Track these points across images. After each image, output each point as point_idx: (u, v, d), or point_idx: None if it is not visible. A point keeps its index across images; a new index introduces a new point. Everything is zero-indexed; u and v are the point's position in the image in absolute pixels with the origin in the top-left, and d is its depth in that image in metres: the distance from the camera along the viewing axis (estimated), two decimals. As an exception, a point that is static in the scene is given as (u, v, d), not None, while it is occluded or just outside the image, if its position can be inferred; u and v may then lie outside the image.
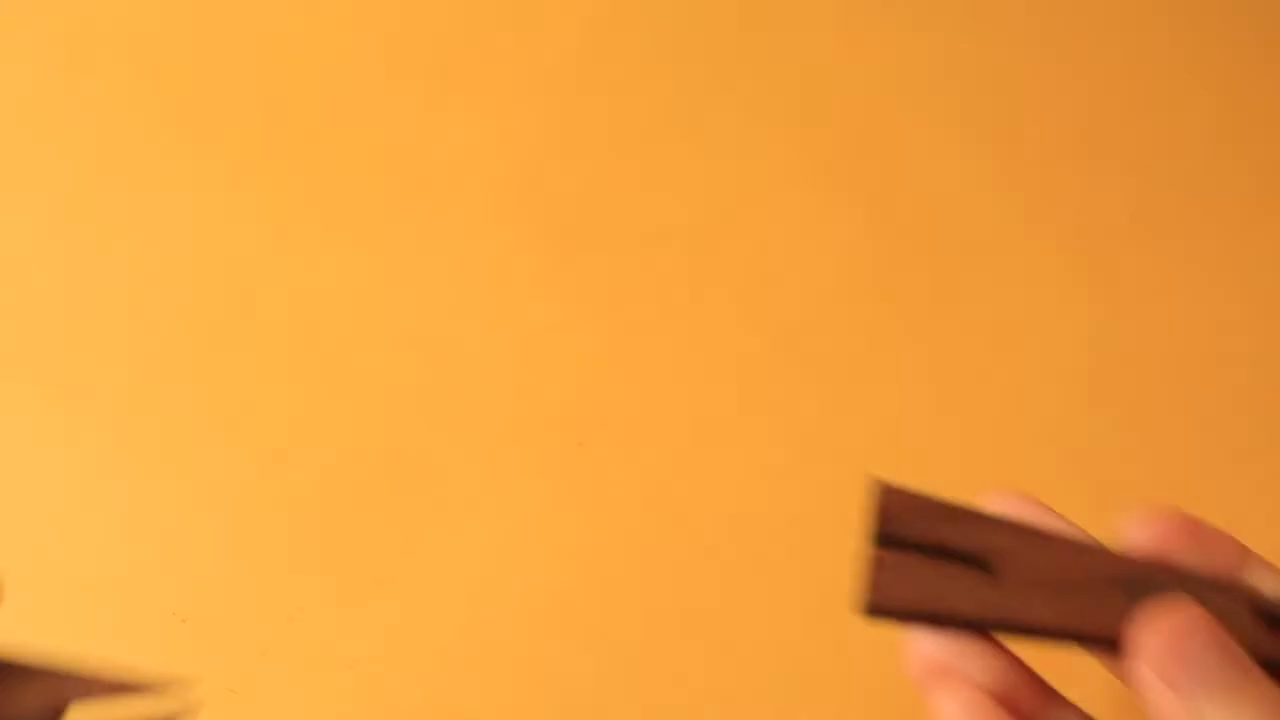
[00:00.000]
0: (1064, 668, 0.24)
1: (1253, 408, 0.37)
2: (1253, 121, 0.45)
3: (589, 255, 0.40)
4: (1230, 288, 0.40)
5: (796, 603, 0.31)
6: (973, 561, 0.24)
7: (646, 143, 0.44)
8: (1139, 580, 0.23)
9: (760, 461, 0.35)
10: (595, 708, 0.29)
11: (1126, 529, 0.23)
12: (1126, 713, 0.22)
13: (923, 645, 0.25)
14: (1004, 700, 0.24)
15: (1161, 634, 0.22)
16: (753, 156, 0.43)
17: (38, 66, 0.45)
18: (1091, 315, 0.39)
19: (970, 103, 0.46)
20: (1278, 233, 0.42)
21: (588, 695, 0.30)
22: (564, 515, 0.33)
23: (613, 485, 0.33)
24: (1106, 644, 0.24)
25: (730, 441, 0.35)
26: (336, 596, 0.31)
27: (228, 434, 0.35)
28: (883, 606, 0.24)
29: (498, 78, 0.46)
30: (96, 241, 0.39)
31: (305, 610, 0.30)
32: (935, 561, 0.24)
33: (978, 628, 0.24)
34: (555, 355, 0.37)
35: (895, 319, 0.39)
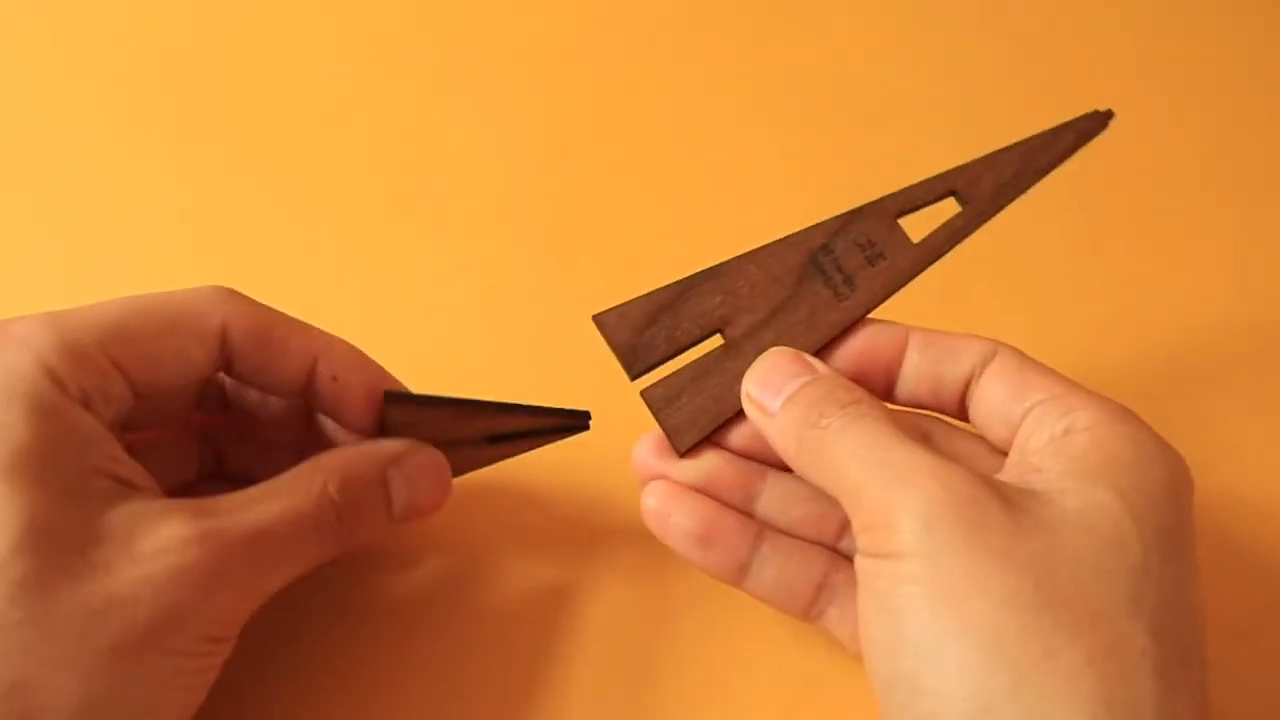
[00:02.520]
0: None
1: (1252, 405, 0.37)
2: (1250, 118, 0.46)
3: (589, 255, 0.40)
4: (1230, 285, 0.40)
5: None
6: (708, 335, 0.29)
7: (646, 143, 0.44)
8: (820, 254, 0.29)
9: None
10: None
11: None
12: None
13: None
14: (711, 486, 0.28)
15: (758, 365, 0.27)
16: (753, 157, 0.43)
17: (37, 66, 0.45)
18: (1093, 316, 0.39)
19: (973, 103, 0.46)
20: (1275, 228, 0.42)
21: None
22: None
23: (617, 484, 0.33)
24: None
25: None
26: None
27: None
28: (691, 444, 0.28)
29: (497, 78, 0.46)
30: (95, 243, 0.39)
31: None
32: (691, 370, 0.28)
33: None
34: (555, 356, 0.37)
35: (894, 318, 0.39)
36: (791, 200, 0.42)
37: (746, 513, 0.29)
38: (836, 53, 0.47)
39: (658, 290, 0.29)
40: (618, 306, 0.29)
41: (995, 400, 0.27)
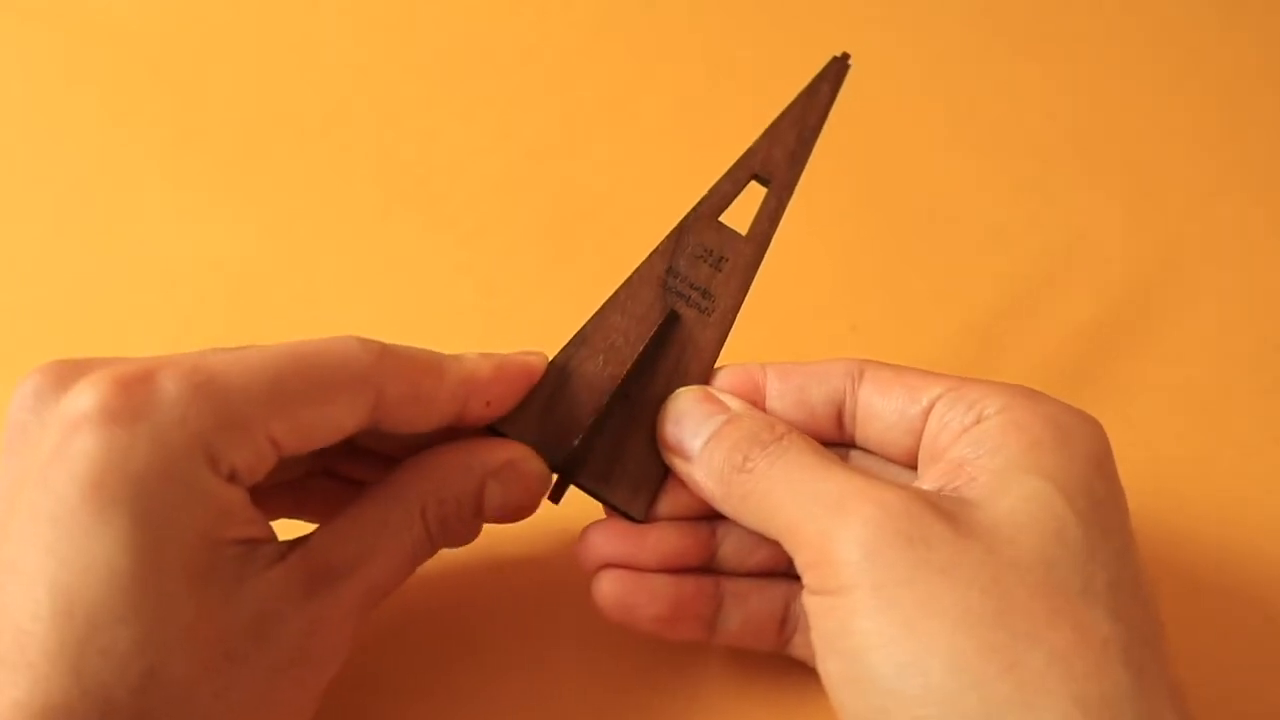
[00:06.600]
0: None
1: (1251, 405, 0.37)
2: (1250, 120, 0.46)
3: (589, 255, 0.40)
4: (1228, 287, 0.40)
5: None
6: (608, 396, 0.28)
7: (647, 142, 0.44)
8: (668, 279, 0.29)
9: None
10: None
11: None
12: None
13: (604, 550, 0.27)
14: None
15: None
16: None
17: (35, 63, 0.45)
18: (1091, 314, 0.39)
19: (971, 102, 0.46)
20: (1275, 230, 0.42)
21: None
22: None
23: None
24: None
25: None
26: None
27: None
28: (648, 507, 0.27)
29: (497, 78, 0.46)
30: (95, 243, 0.39)
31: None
32: (608, 442, 0.27)
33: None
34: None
35: (894, 319, 0.39)
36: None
37: (705, 568, 0.28)
38: (837, 52, 0.47)
39: (539, 382, 0.27)
40: (510, 413, 0.27)
41: (888, 410, 0.26)
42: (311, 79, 0.45)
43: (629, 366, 0.28)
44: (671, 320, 0.28)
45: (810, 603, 0.23)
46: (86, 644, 0.19)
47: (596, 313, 0.28)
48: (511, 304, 0.38)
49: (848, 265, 0.40)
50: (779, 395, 0.27)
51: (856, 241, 0.41)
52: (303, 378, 0.23)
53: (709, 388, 0.28)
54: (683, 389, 0.27)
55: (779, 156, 0.30)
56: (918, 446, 0.26)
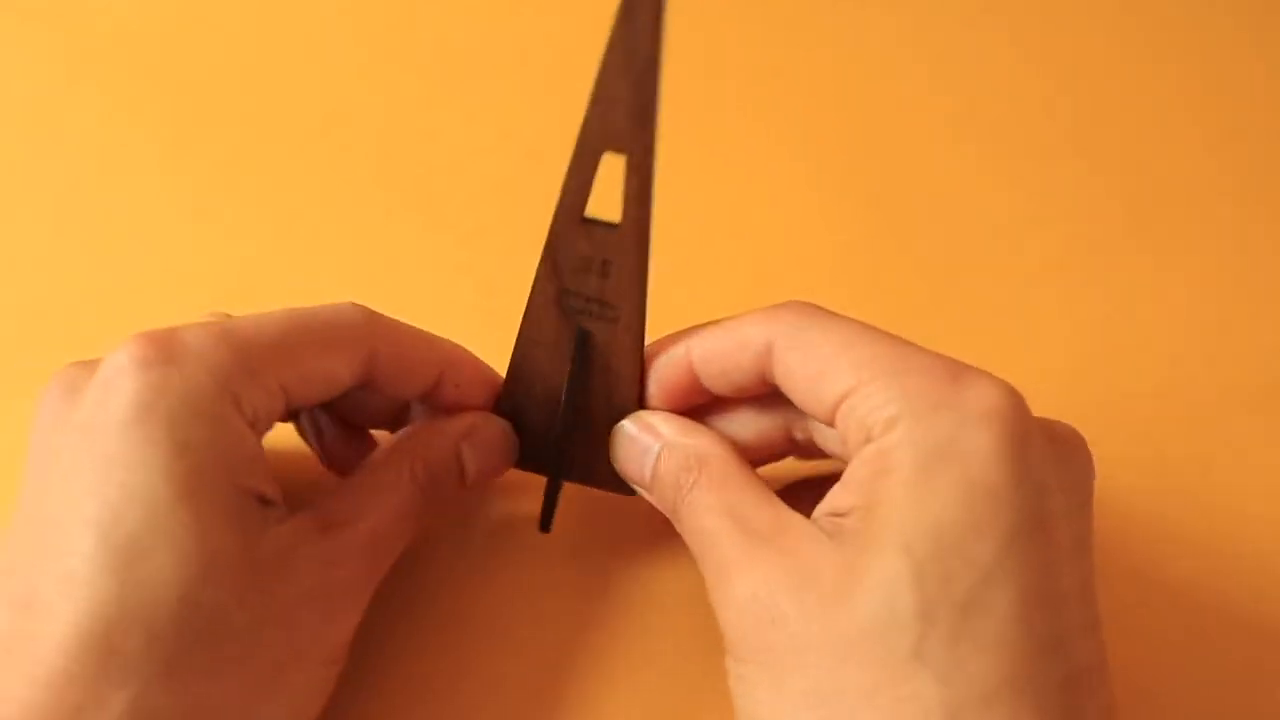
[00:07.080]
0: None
1: (1251, 406, 0.37)
2: (1250, 120, 0.46)
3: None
4: (1227, 287, 0.40)
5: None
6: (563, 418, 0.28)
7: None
8: (564, 299, 0.27)
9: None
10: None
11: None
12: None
13: None
14: None
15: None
16: (751, 156, 0.43)
17: (36, 61, 0.45)
18: (1091, 316, 0.39)
19: (971, 102, 0.46)
20: (1275, 232, 0.42)
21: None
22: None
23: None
24: None
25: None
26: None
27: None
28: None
29: (498, 77, 0.46)
30: (94, 244, 0.39)
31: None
32: (584, 452, 0.28)
33: None
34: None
35: (893, 320, 0.39)
36: (789, 199, 0.42)
37: None
38: (838, 51, 0.47)
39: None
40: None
41: (804, 400, 0.25)
42: (311, 79, 0.45)
43: (564, 391, 0.28)
44: (584, 338, 0.27)
45: (727, 660, 0.24)
46: (127, 571, 0.20)
47: (514, 349, 0.28)
48: (512, 304, 0.38)
49: (844, 265, 0.40)
50: (709, 379, 0.27)
51: (854, 241, 0.41)
52: (305, 331, 0.25)
53: (642, 413, 0.28)
54: (619, 424, 0.28)
55: (619, 118, 0.24)
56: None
